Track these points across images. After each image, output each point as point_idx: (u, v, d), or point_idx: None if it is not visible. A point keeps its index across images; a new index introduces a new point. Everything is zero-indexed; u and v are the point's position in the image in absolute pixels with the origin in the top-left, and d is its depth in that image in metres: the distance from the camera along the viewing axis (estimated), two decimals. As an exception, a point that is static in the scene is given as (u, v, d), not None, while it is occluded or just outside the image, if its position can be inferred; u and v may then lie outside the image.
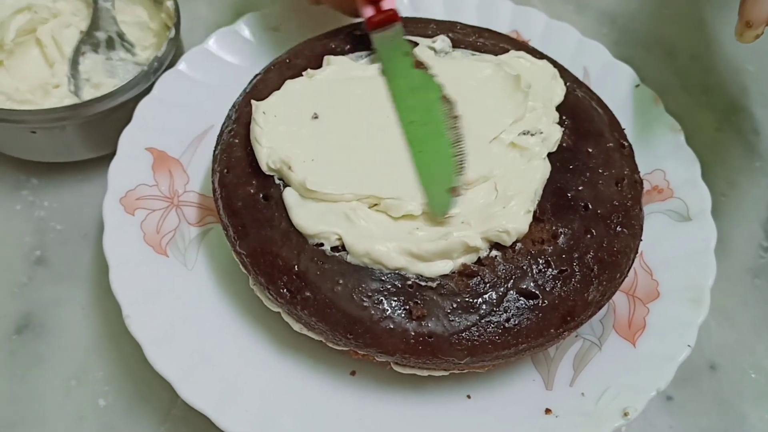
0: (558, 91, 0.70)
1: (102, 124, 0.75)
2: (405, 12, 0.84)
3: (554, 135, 0.66)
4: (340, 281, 0.58)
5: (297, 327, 0.62)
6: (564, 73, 0.74)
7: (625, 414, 0.60)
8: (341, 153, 0.64)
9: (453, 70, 0.70)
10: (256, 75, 0.73)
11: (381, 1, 0.72)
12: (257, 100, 0.67)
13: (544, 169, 0.64)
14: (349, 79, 0.69)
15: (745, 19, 0.61)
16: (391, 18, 0.72)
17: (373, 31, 0.72)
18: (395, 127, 0.65)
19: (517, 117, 0.66)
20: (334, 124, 0.65)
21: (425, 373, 0.62)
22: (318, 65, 0.71)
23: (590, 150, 0.67)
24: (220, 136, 0.69)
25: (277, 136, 0.64)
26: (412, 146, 0.64)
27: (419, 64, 0.70)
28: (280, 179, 0.63)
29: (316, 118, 0.65)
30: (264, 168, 0.63)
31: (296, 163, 0.62)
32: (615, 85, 0.81)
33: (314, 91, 0.68)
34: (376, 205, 0.61)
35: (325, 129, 0.65)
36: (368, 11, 0.72)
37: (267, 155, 0.63)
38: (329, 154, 0.63)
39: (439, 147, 0.63)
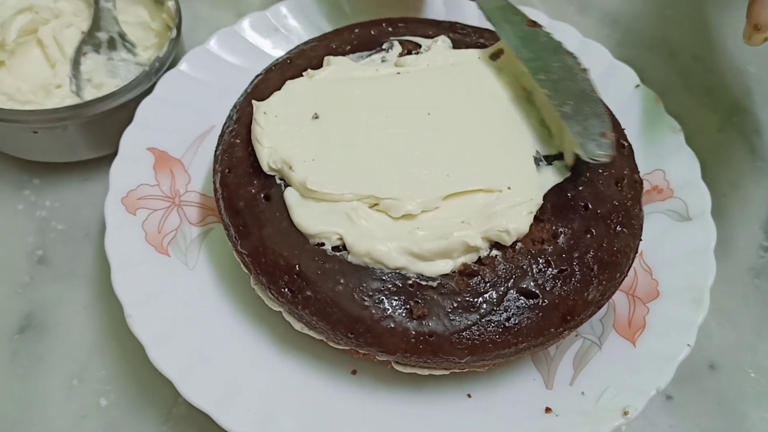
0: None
1: (103, 124, 0.75)
2: (406, 12, 0.84)
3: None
4: (341, 281, 0.59)
5: (298, 326, 0.62)
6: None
7: (625, 413, 0.61)
8: (342, 153, 0.64)
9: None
10: (257, 75, 0.73)
11: None
12: (258, 100, 0.67)
13: (558, 176, 0.65)
14: (349, 80, 0.69)
15: (753, 22, 0.61)
16: None
17: None
18: (395, 127, 0.66)
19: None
20: (334, 124, 0.66)
21: (426, 372, 0.62)
22: (319, 65, 0.71)
23: (591, 150, 0.68)
24: (221, 136, 0.69)
25: (278, 136, 0.64)
26: (553, 101, 0.65)
27: (532, 23, 0.71)
28: (281, 179, 0.63)
29: (317, 118, 0.66)
30: (265, 168, 0.63)
31: (297, 163, 0.62)
32: (616, 86, 0.81)
33: (315, 91, 0.68)
34: (376, 204, 0.61)
35: (325, 129, 0.65)
36: None
37: (268, 155, 0.63)
38: (330, 154, 0.63)
39: (580, 98, 0.65)
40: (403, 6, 0.83)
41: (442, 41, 0.73)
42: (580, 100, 0.65)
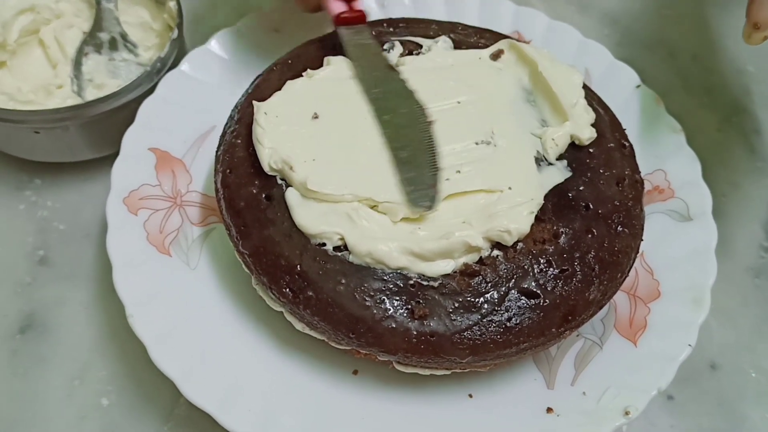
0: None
1: (105, 124, 0.75)
2: (406, 12, 0.84)
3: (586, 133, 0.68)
4: (343, 281, 0.59)
5: (299, 326, 0.62)
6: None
7: (627, 413, 0.61)
8: (341, 153, 0.64)
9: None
10: (258, 75, 0.73)
11: (353, 0, 0.73)
12: (259, 100, 0.67)
13: (559, 177, 0.65)
14: (349, 79, 0.69)
15: (752, 21, 0.61)
16: (360, 18, 0.73)
17: (340, 28, 0.73)
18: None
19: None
20: (334, 124, 0.66)
21: (427, 372, 0.62)
22: (319, 66, 0.71)
23: (591, 150, 0.68)
24: (222, 136, 0.69)
25: (279, 136, 0.64)
26: (390, 144, 0.64)
27: (391, 67, 0.70)
28: (282, 179, 0.63)
29: (317, 118, 0.66)
30: (266, 168, 0.63)
31: (297, 164, 0.62)
32: (616, 86, 0.81)
33: (315, 91, 0.68)
34: (376, 205, 0.61)
35: (325, 129, 0.65)
36: (339, 6, 0.73)
37: (269, 156, 0.63)
38: (330, 154, 0.63)
39: (419, 147, 0.64)
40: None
41: (443, 42, 0.73)
42: (417, 148, 0.64)
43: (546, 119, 0.68)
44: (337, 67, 0.70)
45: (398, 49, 0.73)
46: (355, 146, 0.64)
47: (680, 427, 0.70)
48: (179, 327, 0.64)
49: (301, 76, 0.70)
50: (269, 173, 0.64)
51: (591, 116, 0.69)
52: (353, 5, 0.73)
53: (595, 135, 0.68)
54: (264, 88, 0.70)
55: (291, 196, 0.62)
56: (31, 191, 0.80)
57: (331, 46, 0.74)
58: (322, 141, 0.64)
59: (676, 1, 1.05)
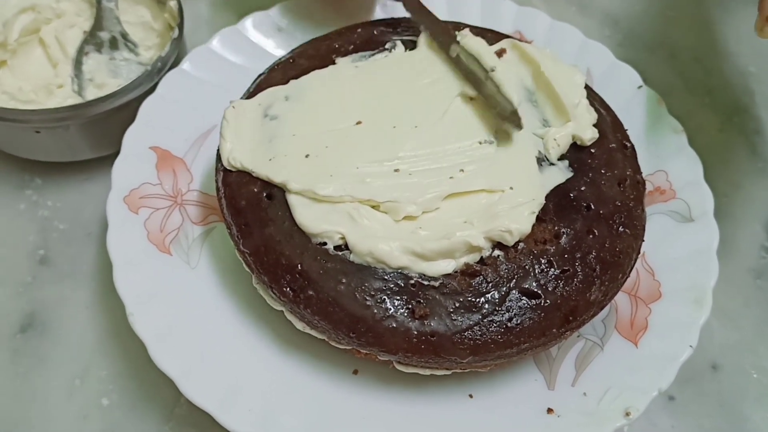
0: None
1: (106, 123, 0.75)
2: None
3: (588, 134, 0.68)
4: (343, 280, 0.59)
5: (300, 326, 0.62)
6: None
7: (627, 414, 0.61)
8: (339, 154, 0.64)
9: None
10: (260, 75, 0.73)
11: None
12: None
13: (561, 177, 0.65)
14: (352, 78, 0.69)
15: (765, 14, 0.61)
16: None
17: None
18: (388, 128, 0.66)
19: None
20: (333, 124, 0.66)
21: (427, 372, 0.62)
22: (321, 65, 0.71)
23: (593, 150, 0.68)
24: (223, 135, 0.69)
25: (242, 132, 0.66)
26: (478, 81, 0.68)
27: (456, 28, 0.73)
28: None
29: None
30: (225, 163, 0.64)
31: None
32: (618, 87, 0.81)
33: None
34: (378, 205, 0.61)
35: (326, 129, 0.65)
36: None
37: (229, 151, 0.64)
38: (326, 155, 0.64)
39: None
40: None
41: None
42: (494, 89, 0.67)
43: (548, 119, 0.68)
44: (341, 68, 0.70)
45: (400, 48, 0.73)
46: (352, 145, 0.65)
47: (681, 428, 0.70)
48: (179, 326, 0.64)
49: (303, 75, 0.70)
50: (228, 168, 0.64)
51: (593, 116, 0.69)
52: None
53: (597, 135, 0.68)
54: (265, 87, 0.70)
55: (292, 195, 0.62)
56: (31, 190, 0.80)
57: (335, 45, 0.74)
58: (322, 141, 0.64)
59: (678, 2, 1.05)
